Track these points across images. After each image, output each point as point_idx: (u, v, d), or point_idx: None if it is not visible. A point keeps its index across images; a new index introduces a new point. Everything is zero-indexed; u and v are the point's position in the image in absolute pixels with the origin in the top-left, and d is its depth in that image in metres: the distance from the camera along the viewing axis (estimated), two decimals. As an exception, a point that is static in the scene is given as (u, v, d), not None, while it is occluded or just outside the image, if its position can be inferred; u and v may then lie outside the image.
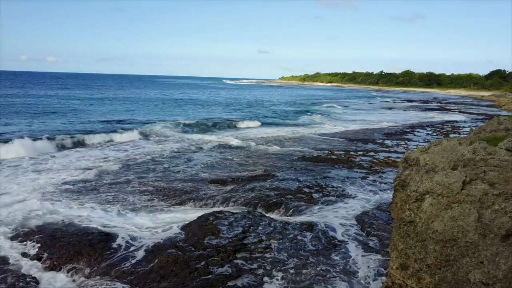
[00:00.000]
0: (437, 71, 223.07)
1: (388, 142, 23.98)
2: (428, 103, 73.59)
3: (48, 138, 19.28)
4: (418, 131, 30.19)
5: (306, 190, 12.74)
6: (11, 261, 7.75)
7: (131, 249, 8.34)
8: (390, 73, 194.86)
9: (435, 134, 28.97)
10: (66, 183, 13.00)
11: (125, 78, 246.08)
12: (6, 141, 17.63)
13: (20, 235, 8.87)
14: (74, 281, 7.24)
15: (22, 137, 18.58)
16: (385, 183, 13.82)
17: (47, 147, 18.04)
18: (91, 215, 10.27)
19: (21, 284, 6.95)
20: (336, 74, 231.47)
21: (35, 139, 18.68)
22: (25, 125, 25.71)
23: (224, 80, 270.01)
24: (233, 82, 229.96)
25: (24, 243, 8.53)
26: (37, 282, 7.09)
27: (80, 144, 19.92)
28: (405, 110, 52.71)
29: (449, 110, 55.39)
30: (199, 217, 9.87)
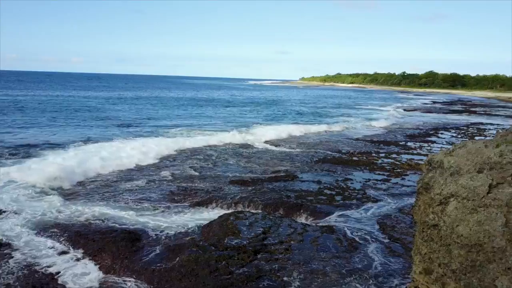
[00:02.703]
0: (461, 72, 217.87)
1: (410, 144, 23.60)
2: (451, 104, 72.06)
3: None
4: (441, 133, 29.60)
5: (327, 192, 12.66)
6: (39, 254, 7.99)
7: (152, 247, 8.46)
8: (413, 74, 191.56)
9: (459, 136, 28.34)
10: (92, 181, 13.29)
11: (145, 78, 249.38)
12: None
13: (46, 231, 9.12)
14: (97, 275, 7.39)
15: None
16: (408, 186, 13.61)
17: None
18: (114, 213, 10.47)
19: (47, 277, 7.15)
20: (357, 75, 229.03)
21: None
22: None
23: (248, 81, 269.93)
24: (255, 83, 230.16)
25: (52, 238, 8.78)
26: (62, 274, 7.28)
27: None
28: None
29: (474, 112, 54.08)
30: (220, 217, 9.94)
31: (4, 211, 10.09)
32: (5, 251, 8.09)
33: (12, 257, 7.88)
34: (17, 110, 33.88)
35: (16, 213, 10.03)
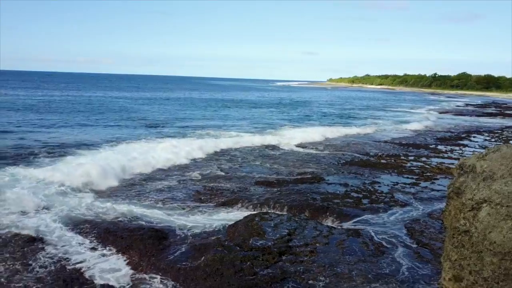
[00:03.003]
0: (495, 73, 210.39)
1: (441, 147, 23.00)
2: (485, 107, 69.75)
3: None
4: (474, 137, 28.71)
5: (354, 195, 12.50)
6: (69, 249, 8.24)
7: (179, 246, 8.57)
8: (444, 76, 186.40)
9: (493, 140, 27.41)
10: (122, 180, 13.61)
11: (172, 79, 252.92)
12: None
13: (77, 227, 9.40)
14: (125, 272, 7.55)
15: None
16: (437, 190, 13.27)
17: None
18: (142, 212, 10.67)
19: (77, 272, 7.37)
20: (386, 76, 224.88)
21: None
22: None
23: (275, 83, 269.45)
24: (283, 84, 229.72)
25: (82, 234, 9.04)
26: (90, 270, 7.48)
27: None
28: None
29: (509, 115, 52.13)
30: (245, 217, 9.97)
31: (39, 207, 10.45)
32: (38, 246, 8.39)
33: (45, 251, 8.17)
34: (51, 110, 35.05)
35: (49, 209, 10.38)
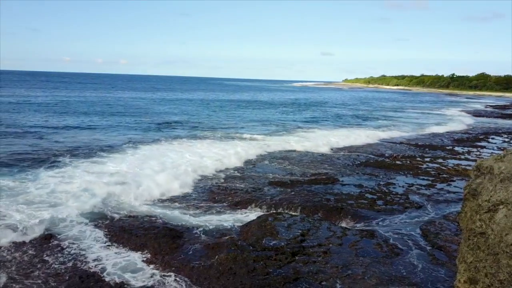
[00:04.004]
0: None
1: (458, 149, 22.63)
2: (504, 108, 68.37)
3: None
4: (492, 138, 28.18)
5: (369, 196, 12.40)
6: (86, 245, 8.39)
7: (192, 245, 8.63)
8: (463, 76, 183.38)
9: (512, 141, 26.86)
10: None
11: (189, 80, 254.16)
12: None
13: (96, 225, 9.55)
14: (139, 269, 7.64)
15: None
16: (454, 192, 13.07)
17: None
18: (157, 211, 10.79)
19: (92, 268, 7.49)
20: (403, 77, 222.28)
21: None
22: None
23: (292, 83, 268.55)
24: (301, 85, 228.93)
25: (99, 231, 9.19)
26: (105, 266, 7.60)
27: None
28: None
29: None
30: (258, 217, 9.98)
31: (59, 205, 10.64)
32: (55, 242, 8.55)
33: (62, 247, 8.32)
34: (70, 111, 35.58)
35: (68, 207, 10.54)
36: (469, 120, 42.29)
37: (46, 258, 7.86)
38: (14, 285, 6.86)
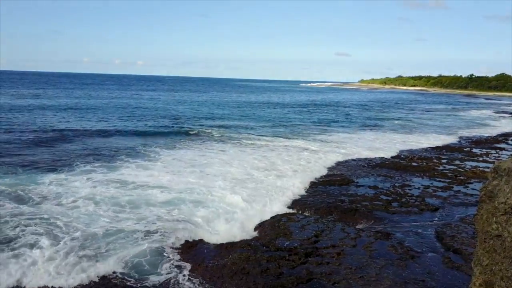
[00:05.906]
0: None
1: (476, 150, 22.24)
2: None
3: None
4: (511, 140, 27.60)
5: (384, 197, 12.29)
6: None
7: (206, 244, 8.68)
8: (482, 77, 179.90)
9: (532, 144, 26.25)
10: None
11: (207, 81, 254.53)
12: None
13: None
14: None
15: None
16: (471, 195, 12.85)
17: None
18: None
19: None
20: (420, 77, 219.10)
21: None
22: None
23: (308, 84, 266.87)
24: (318, 85, 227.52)
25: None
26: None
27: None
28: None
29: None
30: (272, 218, 9.99)
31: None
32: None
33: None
34: (91, 112, 36.04)
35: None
36: None
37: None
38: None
